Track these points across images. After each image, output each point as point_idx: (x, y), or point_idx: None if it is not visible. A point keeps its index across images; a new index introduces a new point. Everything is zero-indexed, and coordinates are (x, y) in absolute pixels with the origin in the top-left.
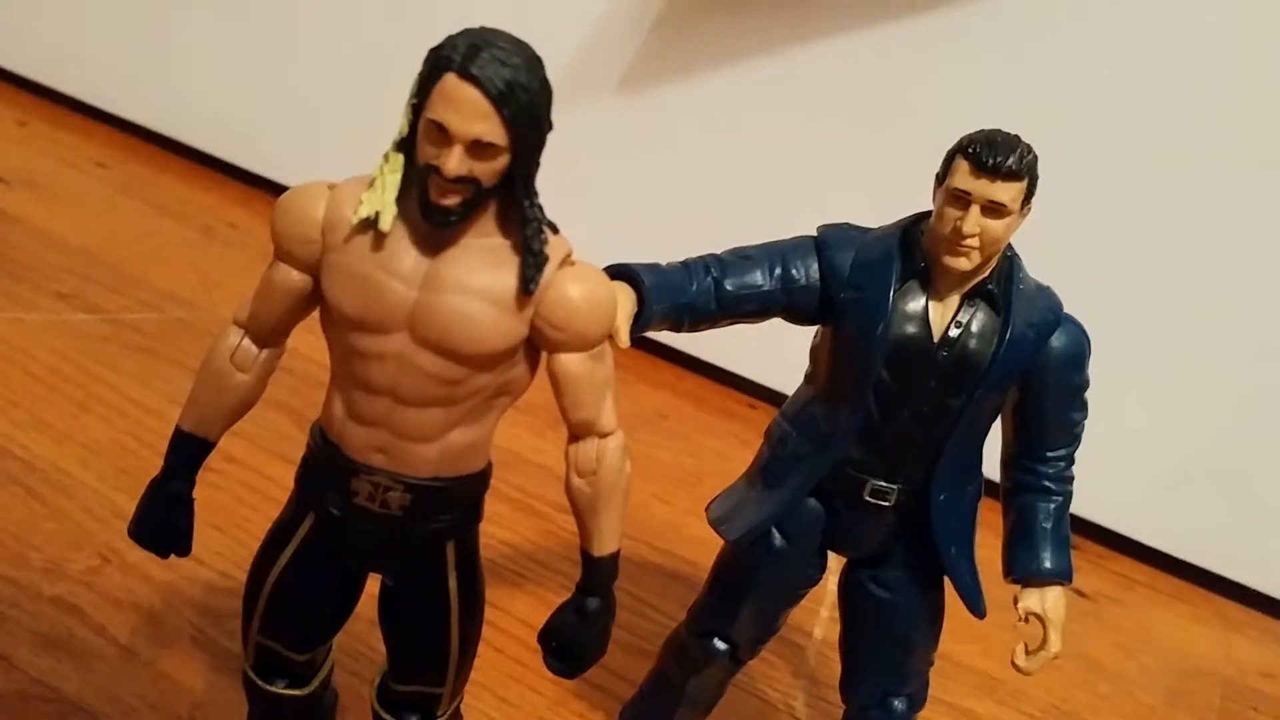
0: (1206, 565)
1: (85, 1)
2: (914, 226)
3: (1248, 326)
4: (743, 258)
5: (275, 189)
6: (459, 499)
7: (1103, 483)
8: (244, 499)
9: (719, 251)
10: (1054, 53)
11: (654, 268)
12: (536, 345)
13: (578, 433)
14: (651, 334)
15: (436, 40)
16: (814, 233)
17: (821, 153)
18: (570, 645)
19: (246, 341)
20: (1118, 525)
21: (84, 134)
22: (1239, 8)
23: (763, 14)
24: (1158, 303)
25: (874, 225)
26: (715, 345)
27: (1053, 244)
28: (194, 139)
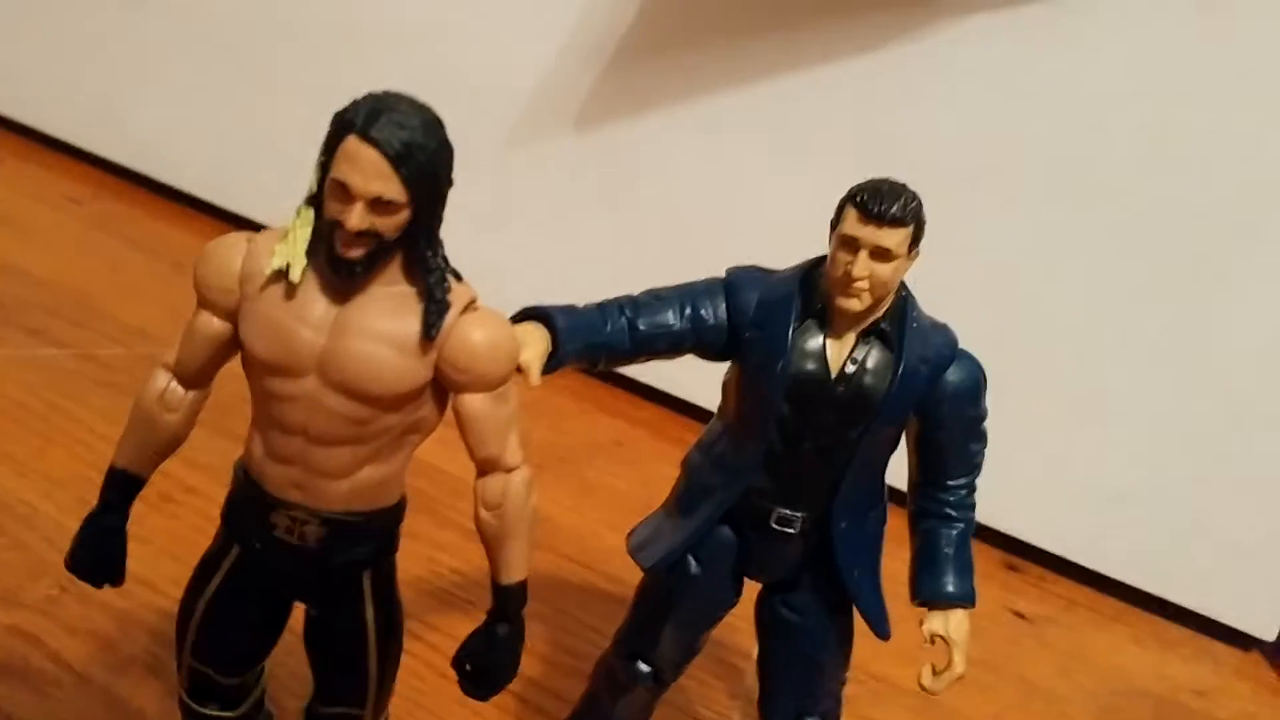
0: (1144, 586)
1: (60, 39)
2: (814, 269)
3: (1182, 353)
4: (656, 298)
5: (246, 225)
6: (372, 532)
7: (1043, 506)
8: (202, 528)
9: (635, 293)
10: (1003, 87)
11: (569, 309)
12: (443, 386)
13: (484, 468)
14: None
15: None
16: (723, 274)
17: (774, 188)
18: (482, 669)
19: (174, 384)
20: (1058, 548)
21: (57, 170)
22: (1155, 42)
23: (716, 52)
24: (1094, 330)
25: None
26: (671, 375)
27: (994, 273)
28: (166, 175)
